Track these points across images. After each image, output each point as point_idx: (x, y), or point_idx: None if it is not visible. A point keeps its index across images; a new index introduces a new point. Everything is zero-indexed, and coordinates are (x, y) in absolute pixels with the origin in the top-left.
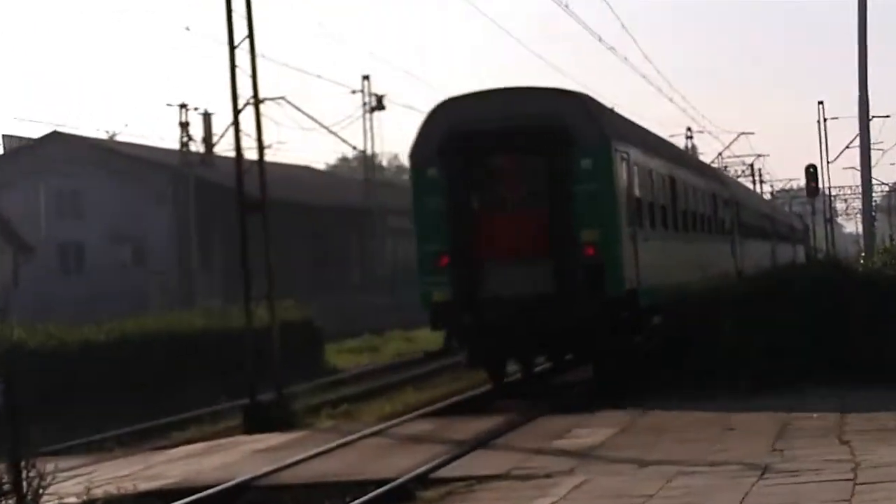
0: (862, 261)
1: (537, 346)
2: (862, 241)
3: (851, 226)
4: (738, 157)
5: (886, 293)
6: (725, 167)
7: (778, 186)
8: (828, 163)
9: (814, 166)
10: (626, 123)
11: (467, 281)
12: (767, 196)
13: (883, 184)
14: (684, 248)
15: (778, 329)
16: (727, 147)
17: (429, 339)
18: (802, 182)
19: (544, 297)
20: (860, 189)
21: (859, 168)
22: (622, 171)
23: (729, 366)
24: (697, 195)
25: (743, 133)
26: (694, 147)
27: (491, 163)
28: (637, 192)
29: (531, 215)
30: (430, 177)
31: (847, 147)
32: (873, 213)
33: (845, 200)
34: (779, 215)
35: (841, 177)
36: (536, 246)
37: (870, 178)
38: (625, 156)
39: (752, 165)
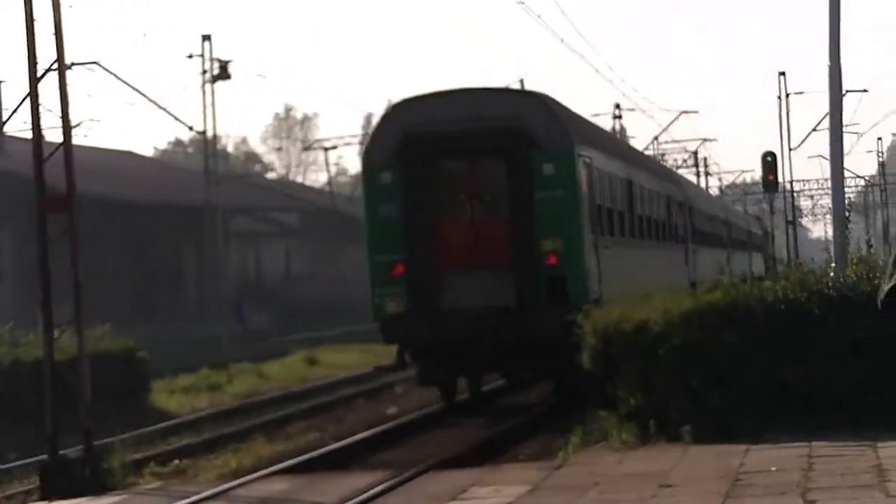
0: (831, 273)
1: (496, 361)
2: (832, 249)
3: (819, 229)
4: (678, 142)
5: (861, 315)
6: (662, 155)
7: (728, 179)
8: (790, 149)
9: (772, 154)
10: (585, 123)
11: (424, 292)
12: (714, 191)
13: (858, 177)
14: (642, 256)
15: (726, 361)
16: (665, 129)
17: (285, 374)
18: (758, 174)
19: (504, 309)
20: (829, 183)
21: (829, 156)
22: (584, 176)
23: (666, 406)
24: (653, 199)
25: (685, 112)
26: (623, 129)
27: (449, 167)
28: (598, 197)
29: (491, 223)
30: (385, 182)
31: (814, 129)
32: (847, 213)
33: (811, 197)
34: (735, 219)
35: (806, 168)
36: (496, 255)
37: (842, 168)
38: (587, 160)
39: (695, 153)
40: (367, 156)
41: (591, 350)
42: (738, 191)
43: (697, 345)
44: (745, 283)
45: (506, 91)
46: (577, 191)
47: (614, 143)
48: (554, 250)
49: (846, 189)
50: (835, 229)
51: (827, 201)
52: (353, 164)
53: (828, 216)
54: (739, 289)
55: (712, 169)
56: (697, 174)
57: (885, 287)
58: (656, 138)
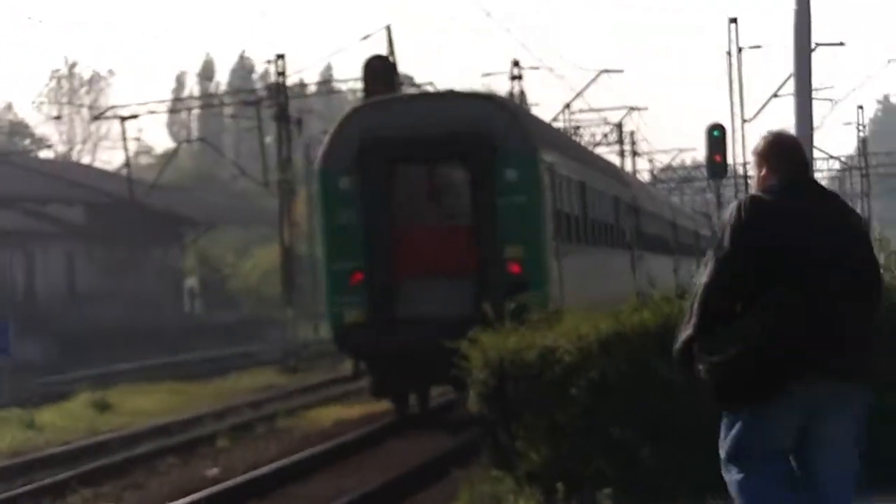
0: None
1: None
2: None
3: None
4: (596, 111)
5: None
6: (576, 128)
7: (663, 161)
8: (743, 121)
9: (720, 128)
10: (544, 126)
11: (383, 301)
12: (644, 176)
13: (832, 157)
14: (594, 263)
15: (660, 402)
16: (579, 94)
17: (66, 424)
18: (701, 154)
19: (465, 318)
20: None
21: (795, 130)
22: (547, 182)
23: (579, 463)
24: (603, 201)
25: (605, 71)
26: (522, 94)
27: (409, 172)
28: (559, 203)
29: (452, 229)
30: (342, 187)
31: (775, 95)
32: None
33: None
34: (682, 220)
35: None
36: (457, 263)
37: (811, 145)
38: (548, 164)
39: (619, 126)
40: (324, 160)
41: (480, 388)
42: (675, 176)
43: (621, 381)
44: (683, 299)
45: (468, 95)
46: (541, 197)
47: (567, 143)
48: (517, 258)
49: (817, 173)
50: None
51: None
52: (159, 139)
53: None
54: (674, 306)
55: (641, 147)
56: (622, 153)
57: (681, 337)
58: (567, 106)
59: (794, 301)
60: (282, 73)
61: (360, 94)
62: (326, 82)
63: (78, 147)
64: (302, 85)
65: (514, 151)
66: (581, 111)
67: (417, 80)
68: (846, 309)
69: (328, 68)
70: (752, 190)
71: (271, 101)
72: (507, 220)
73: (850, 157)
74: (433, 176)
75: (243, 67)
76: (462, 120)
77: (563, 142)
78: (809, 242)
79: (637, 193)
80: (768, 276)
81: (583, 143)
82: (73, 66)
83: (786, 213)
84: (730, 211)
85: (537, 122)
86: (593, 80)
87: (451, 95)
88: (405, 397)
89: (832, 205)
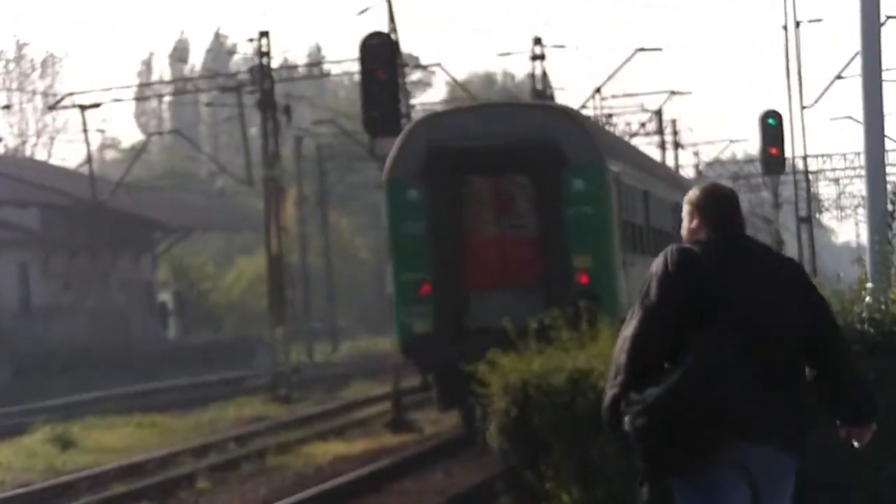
0: (866, 297)
1: None
2: (868, 259)
3: (848, 230)
4: (632, 95)
5: None
6: (609, 116)
7: (710, 154)
8: (802, 108)
9: (776, 115)
10: (609, 135)
11: (451, 311)
12: (689, 173)
13: None
14: None
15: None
16: (612, 76)
17: (22, 464)
18: (755, 146)
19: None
20: (862, 159)
21: (862, 118)
22: (614, 192)
23: None
24: (663, 209)
25: (642, 50)
26: (545, 76)
27: (476, 183)
28: (625, 212)
29: (520, 240)
30: (410, 198)
31: (838, 77)
32: (891, 204)
33: (836, 182)
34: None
35: (827, 137)
36: (526, 273)
37: (882, 133)
38: (615, 174)
39: (658, 113)
40: (392, 170)
41: (500, 418)
42: (725, 172)
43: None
44: None
45: (535, 105)
46: (608, 207)
47: (629, 150)
48: (585, 268)
49: (889, 168)
50: (871, 229)
51: (860, 187)
52: (126, 130)
53: (861, 210)
54: None
55: (685, 137)
56: (662, 144)
57: (608, 395)
58: (598, 90)
59: (724, 356)
60: (266, 54)
61: (356, 78)
62: (317, 64)
63: (31, 141)
64: (289, 67)
65: (582, 162)
66: (614, 97)
67: (423, 61)
68: (775, 366)
69: (317, 49)
70: (685, 240)
71: (254, 86)
72: (574, 230)
73: None
74: (501, 187)
75: (220, 48)
76: (529, 130)
77: (625, 149)
78: (740, 296)
79: None
80: (697, 329)
81: (617, 133)
82: (22, 46)
83: (716, 266)
84: (657, 262)
85: (602, 131)
86: (628, 59)
87: (519, 107)
88: (472, 410)
89: (766, 259)
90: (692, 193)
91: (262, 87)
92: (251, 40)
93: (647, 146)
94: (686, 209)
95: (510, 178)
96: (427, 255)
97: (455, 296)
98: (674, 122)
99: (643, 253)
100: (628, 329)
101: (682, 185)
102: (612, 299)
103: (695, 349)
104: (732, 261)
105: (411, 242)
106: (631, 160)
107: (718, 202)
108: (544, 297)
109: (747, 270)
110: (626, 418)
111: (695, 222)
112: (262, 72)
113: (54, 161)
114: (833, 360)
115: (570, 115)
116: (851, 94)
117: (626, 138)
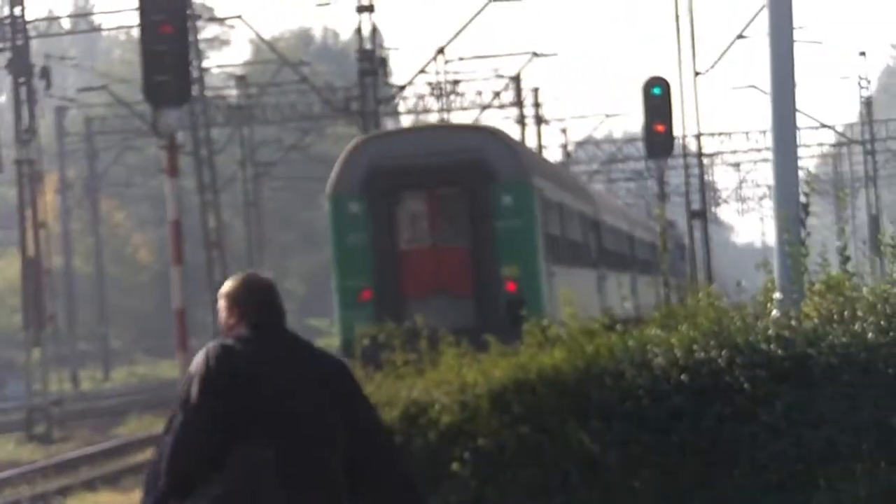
0: (773, 309)
1: None
2: (776, 264)
3: (751, 228)
4: (483, 57)
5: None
6: (455, 83)
7: (579, 132)
8: (695, 74)
9: (663, 83)
10: (533, 154)
11: (390, 316)
12: (554, 154)
13: (824, 126)
14: (573, 282)
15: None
16: (460, 33)
17: None
18: (636, 123)
19: (468, 330)
20: (769, 138)
21: (770, 87)
22: (538, 206)
23: None
24: (574, 220)
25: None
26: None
27: (412, 198)
28: (547, 225)
29: (453, 251)
30: (352, 212)
31: (739, 36)
32: (803, 196)
33: (736, 167)
34: (640, 231)
35: (725, 115)
36: (459, 282)
37: (792, 108)
38: (539, 189)
39: (516, 80)
40: (335, 186)
41: None
42: (599, 154)
43: (523, 448)
44: (616, 330)
45: (465, 127)
46: (534, 220)
47: (548, 166)
48: (513, 277)
49: (801, 150)
50: (779, 226)
51: (766, 173)
52: None
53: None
54: (601, 342)
55: (550, 111)
56: (522, 120)
57: (148, 499)
58: (441, 51)
59: (266, 459)
60: (19, 3)
61: (134, 33)
62: (85, 15)
63: None
64: (49, 19)
65: (510, 179)
66: (462, 59)
67: (219, 13)
68: (313, 471)
69: None
70: (224, 335)
71: (3, 43)
72: (503, 242)
73: (849, 126)
74: (435, 201)
75: None
76: (461, 149)
77: (545, 166)
78: (279, 399)
79: (598, 207)
80: (239, 431)
81: (467, 105)
82: None
83: (258, 362)
84: (197, 360)
85: (526, 149)
86: (479, 12)
87: (452, 127)
88: None
89: (307, 356)
90: (229, 286)
91: (14, 43)
92: None
93: (504, 121)
94: (223, 303)
95: (444, 192)
96: (367, 263)
97: (392, 301)
98: (536, 91)
99: (561, 263)
100: (169, 434)
101: (588, 194)
102: (538, 305)
103: (237, 450)
104: (272, 353)
105: (352, 253)
106: (550, 175)
107: (256, 294)
108: (476, 304)
109: (288, 363)
110: None
111: (233, 315)
112: (13, 25)
113: None
114: (377, 462)
115: (498, 136)
116: (756, 57)
117: (478, 111)
